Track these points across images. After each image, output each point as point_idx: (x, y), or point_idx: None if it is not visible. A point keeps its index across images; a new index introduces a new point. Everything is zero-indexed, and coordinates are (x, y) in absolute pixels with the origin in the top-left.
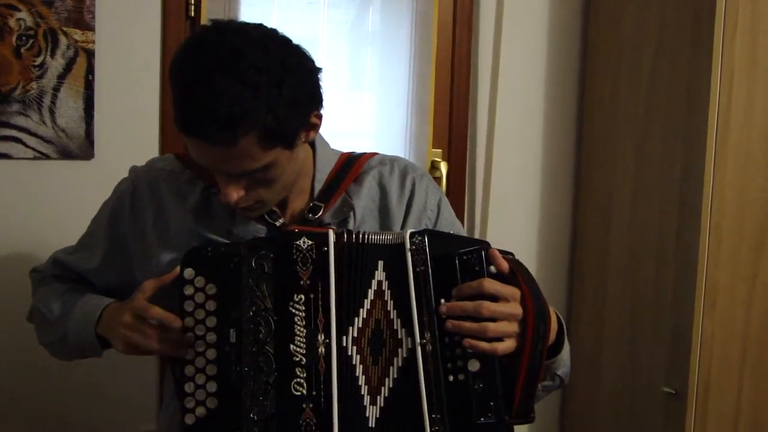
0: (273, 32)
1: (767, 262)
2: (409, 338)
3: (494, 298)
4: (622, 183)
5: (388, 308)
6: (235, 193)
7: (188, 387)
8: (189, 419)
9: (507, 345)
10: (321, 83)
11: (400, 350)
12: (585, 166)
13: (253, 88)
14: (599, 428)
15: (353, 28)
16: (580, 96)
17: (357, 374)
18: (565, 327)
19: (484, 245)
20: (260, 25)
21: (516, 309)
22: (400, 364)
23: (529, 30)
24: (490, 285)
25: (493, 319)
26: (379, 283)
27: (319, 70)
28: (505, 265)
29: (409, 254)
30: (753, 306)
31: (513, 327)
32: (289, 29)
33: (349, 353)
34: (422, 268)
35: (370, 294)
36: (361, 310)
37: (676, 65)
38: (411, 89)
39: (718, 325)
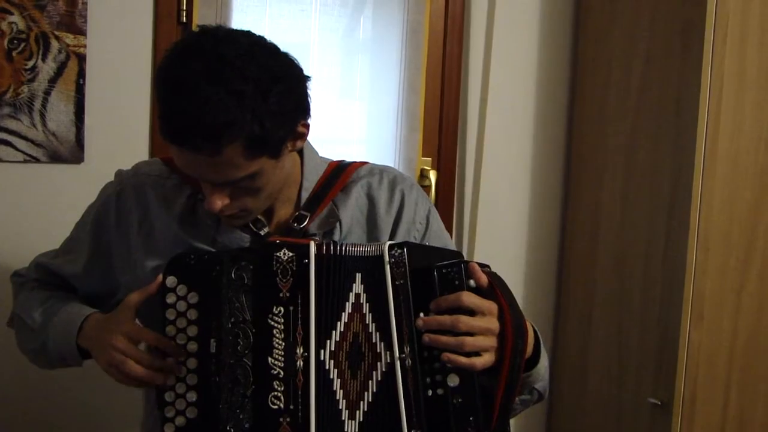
0: (261, 40)
1: (755, 273)
2: (387, 352)
3: (472, 312)
4: (610, 193)
5: (367, 321)
6: (219, 202)
7: (168, 396)
8: (169, 429)
9: (485, 360)
10: (309, 92)
11: (378, 364)
12: (574, 176)
13: (239, 96)
14: None
15: (345, 36)
16: (569, 105)
17: (335, 388)
18: (541, 341)
19: (461, 258)
20: (248, 32)
21: (493, 324)
22: (379, 378)
23: (519, 39)
24: (468, 299)
25: (471, 334)
26: (357, 295)
27: (307, 78)
28: (484, 278)
29: (387, 267)
30: (740, 317)
31: (490, 342)
32: (281, 36)
33: (327, 366)
34: (401, 281)
35: (348, 307)
36: (339, 323)
37: (666, 76)
38: (401, 98)
39: (705, 337)
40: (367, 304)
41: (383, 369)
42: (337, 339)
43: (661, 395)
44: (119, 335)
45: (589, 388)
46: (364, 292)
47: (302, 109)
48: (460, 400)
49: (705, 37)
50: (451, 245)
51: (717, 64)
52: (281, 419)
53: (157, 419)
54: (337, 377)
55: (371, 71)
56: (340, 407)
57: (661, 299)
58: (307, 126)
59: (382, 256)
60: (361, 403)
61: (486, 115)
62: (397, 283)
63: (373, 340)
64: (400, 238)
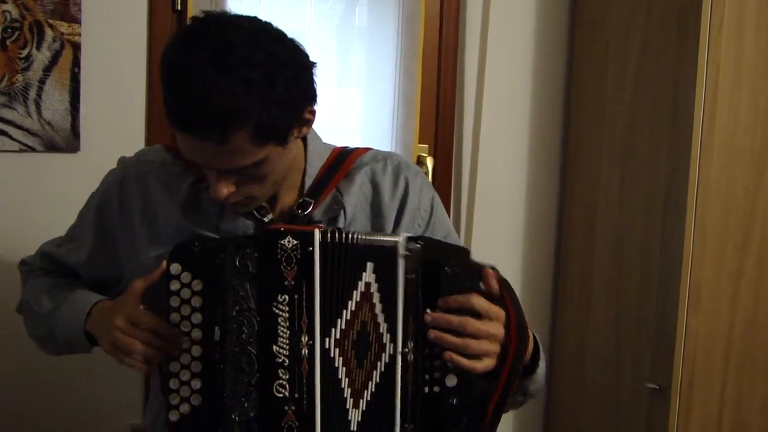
0: (267, 26)
1: (752, 258)
2: (392, 344)
3: (479, 315)
4: (607, 180)
5: (376, 311)
6: (225, 189)
7: (173, 383)
8: (173, 416)
9: (486, 364)
10: (315, 78)
11: (383, 355)
12: (571, 163)
13: (246, 83)
14: (583, 423)
15: (340, 24)
16: (566, 92)
17: (340, 376)
18: (540, 346)
19: (473, 261)
20: (254, 19)
21: (499, 330)
22: (382, 369)
23: (515, 26)
24: (479, 302)
25: (476, 337)
26: (367, 284)
27: (313, 64)
28: (495, 286)
29: (401, 260)
30: (737, 303)
31: (494, 347)
32: (276, 24)
33: (332, 355)
34: (413, 275)
35: (356, 295)
36: (345, 311)
37: (662, 62)
38: (398, 85)
39: (702, 322)
40: (378, 294)
41: (386, 360)
42: (343, 327)
43: (659, 380)
44: (121, 317)
45: (587, 374)
46: (375, 282)
47: (308, 95)
48: (455, 400)
49: (701, 23)
50: (454, 234)
51: (713, 51)
52: (286, 407)
53: (160, 408)
54: (342, 365)
55: (367, 59)
56: (345, 395)
57: (659, 286)
58: (314, 112)
59: (396, 247)
60: (365, 392)
61: (483, 102)
62: (408, 276)
63: (380, 331)
64: (404, 225)
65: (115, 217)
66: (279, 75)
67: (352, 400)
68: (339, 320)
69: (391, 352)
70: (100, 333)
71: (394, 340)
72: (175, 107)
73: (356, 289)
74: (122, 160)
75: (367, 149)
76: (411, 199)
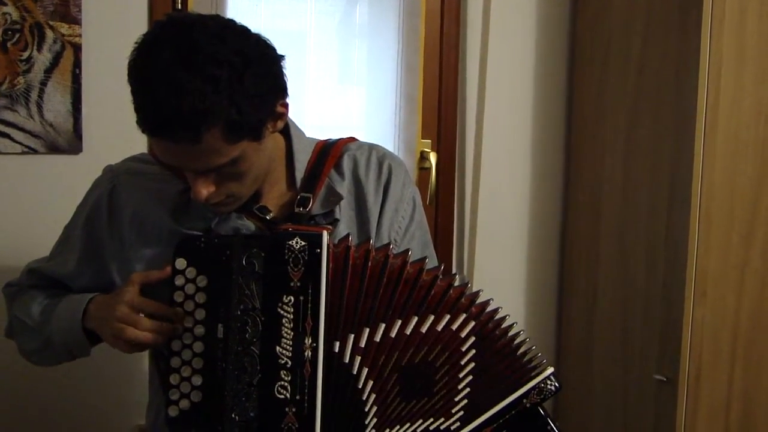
0: (231, 23)
1: (757, 249)
2: (456, 422)
3: None
4: (611, 172)
5: (460, 375)
6: (205, 190)
7: (173, 379)
8: (172, 411)
9: None
10: (284, 71)
11: (442, 421)
12: (575, 155)
13: (214, 82)
14: (591, 416)
15: (341, 21)
16: (568, 85)
17: (361, 386)
18: None
19: None
20: (217, 17)
21: None
22: (430, 427)
23: (517, 20)
24: None
25: None
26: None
27: (281, 57)
28: None
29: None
30: (743, 293)
31: None
32: (277, 22)
33: (346, 360)
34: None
35: (417, 328)
36: (383, 326)
37: (665, 54)
38: (400, 81)
39: (709, 313)
40: (474, 362)
41: (440, 427)
42: (378, 339)
43: (667, 372)
44: (122, 305)
45: (594, 367)
46: (473, 355)
47: (279, 88)
48: None
49: (703, 14)
50: (431, 246)
51: (716, 40)
52: (287, 409)
53: (159, 407)
54: (369, 379)
55: (369, 56)
56: (366, 409)
57: (664, 276)
58: (286, 105)
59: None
60: (398, 427)
61: (485, 97)
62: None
63: (455, 398)
64: (388, 215)
65: (104, 226)
66: (247, 71)
67: (375, 419)
68: (368, 330)
69: (449, 424)
70: (101, 324)
71: (464, 420)
72: (145, 112)
73: (421, 328)
74: (110, 170)
75: (352, 139)
76: (393, 188)
